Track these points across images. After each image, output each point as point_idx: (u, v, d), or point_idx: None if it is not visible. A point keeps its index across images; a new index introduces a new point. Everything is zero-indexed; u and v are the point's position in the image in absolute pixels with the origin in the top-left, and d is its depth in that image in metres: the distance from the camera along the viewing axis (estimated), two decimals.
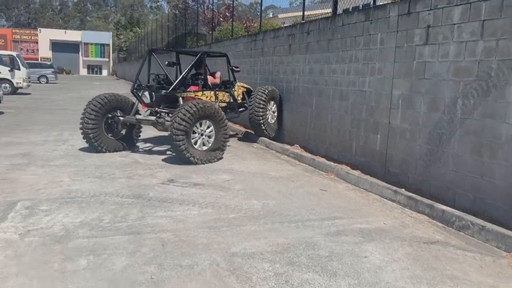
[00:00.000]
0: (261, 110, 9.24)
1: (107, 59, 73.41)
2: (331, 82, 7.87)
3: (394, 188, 5.57)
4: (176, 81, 8.44)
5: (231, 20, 18.74)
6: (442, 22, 5.44)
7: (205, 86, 8.84)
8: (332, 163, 7.20)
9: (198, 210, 4.73)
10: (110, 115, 8.02)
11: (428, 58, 5.67)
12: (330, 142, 7.91)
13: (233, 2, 14.75)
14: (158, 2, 24.71)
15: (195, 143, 7.32)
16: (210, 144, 7.54)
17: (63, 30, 76.50)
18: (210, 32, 17.31)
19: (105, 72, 73.66)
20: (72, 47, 71.81)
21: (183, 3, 20.69)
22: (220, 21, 18.64)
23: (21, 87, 21.89)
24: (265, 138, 9.43)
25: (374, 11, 6.75)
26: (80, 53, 73.05)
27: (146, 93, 8.90)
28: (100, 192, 5.26)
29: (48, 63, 39.82)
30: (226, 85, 9.61)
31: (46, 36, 71.36)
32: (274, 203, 5.11)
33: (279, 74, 10.04)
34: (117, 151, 7.96)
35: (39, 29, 74.34)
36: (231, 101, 9.41)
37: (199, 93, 8.58)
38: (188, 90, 8.62)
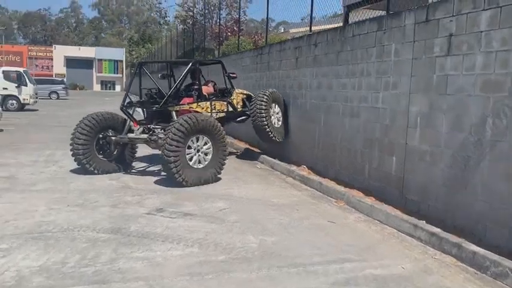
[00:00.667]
0: (263, 112, 8.50)
1: (120, 75, 73.90)
2: (340, 97, 7.18)
3: (414, 220, 4.81)
4: (167, 95, 7.89)
5: (239, 34, 18.29)
6: (467, 30, 4.73)
7: (200, 97, 8.24)
8: (342, 188, 6.46)
9: (182, 249, 4.04)
10: (101, 135, 7.51)
11: (451, 71, 4.95)
12: (340, 163, 7.19)
13: (239, 16, 14.24)
14: (166, 17, 24.48)
15: (190, 159, 6.71)
16: (206, 162, 6.93)
17: (78, 47, 77.49)
18: (218, 47, 16.81)
19: (118, 88, 74.07)
20: (86, 63, 72.55)
21: (191, 18, 20.32)
22: (228, 36, 18.16)
23: (28, 104, 21.62)
24: (270, 158, 8.73)
25: (387, 20, 6.07)
26: (94, 69, 73.75)
27: (139, 109, 8.33)
28: (75, 226, 4.61)
29: (59, 79, 39.87)
30: (223, 93, 8.96)
31: (61, 52, 72.26)
32: (273, 240, 4.39)
33: (285, 89, 9.39)
34: (110, 173, 7.42)
35: (54, 45, 75.39)
36: (230, 110, 8.75)
37: (194, 105, 7.97)
38: (182, 102, 8.03)
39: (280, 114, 9.11)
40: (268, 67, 10.30)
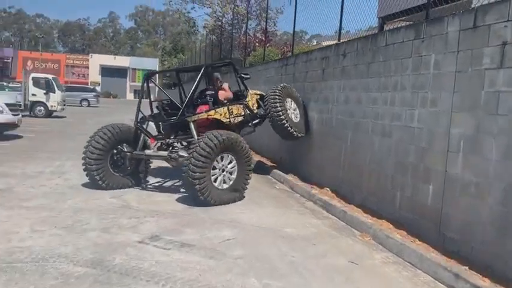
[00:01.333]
0: (279, 106, 7.88)
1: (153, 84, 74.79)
2: (370, 114, 6.37)
3: (455, 268, 3.94)
4: (183, 106, 7.31)
5: (267, 45, 17.69)
6: None
7: (216, 103, 7.63)
8: (368, 219, 5.63)
9: None
10: (115, 150, 7.07)
11: (504, 87, 4.10)
12: (368, 188, 6.35)
13: (266, 26, 13.63)
14: (195, 26, 24.27)
15: (215, 180, 6.25)
16: (231, 182, 6.50)
17: (113, 56, 79.16)
18: (244, 57, 16.25)
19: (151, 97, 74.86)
20: (121, 72, 73.90)
21: (219, 28, 19.91)
22: (256, 46, 17.56)
23: (56, 110, 21.67)
24: (290, 178, 7.96)
25: (426, 26, 5.26)
26: (128, 78, 74.99)
27: (151, 123, 7.75)
28: (52, 254, 3.99)
29: (91, 87, 40.46)
30: (238, 96, 8.31)
31: (96, 61, 73.99)
32: (280, 286, 3.62)
33: (310, 102, 8.63)
34: (121, 188, 6.97)
35: (90, 54, 77.34)
36: (247, 112, 8.08)
37: (212, 113, 7.34)
38: (198, 111, 7.43)
39: (297, 110, 8.51)
40: (294, 79, 9.58)
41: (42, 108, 21.30)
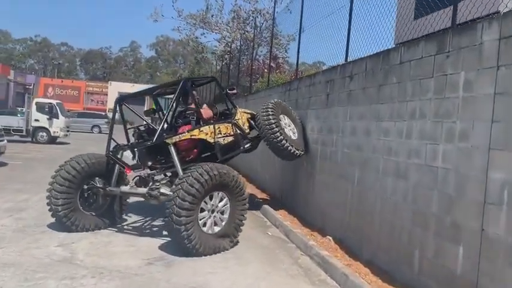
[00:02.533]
0: (274, 125, 6.97)
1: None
2: (381, 148, 5.12)
3: None
4: (161, 124, 6.25)
5: (277, 71, 16.70)
6: None
7: (199, 122, 6.52)
8: (378, 285, 4.29)
9: None
10: (86, 186, 6.06)
11: None
12: (379, 242, 5.02)
13: (270, 50, 12.65)
14: (203, 52, 23.49)
15: (204, 225, 5.27)
16: (223, 223, 5.50)
17: (131, 84, 79.79)
18: (250, 84, 15.27)
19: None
20: (138, 100, 73.45)
21: (228, 54, 19.08)
22: (265, 73, 16.57)
23: (58, 137, 20.92)
24: (286, 223, 6.63)
25: (453, 37, 4.05)
26: (145, 105, 75.12)
27: (127, 152, 6.62)
28: None
29: (103, 113, 40.14)
30: (226, 116, 7.17)
31: (115, 88, 74.31)
32: None
33: (313, 133, 7.42)
34: (93, 229, 5.97)
35: (109, 82, 78.08)
36: (238, 132, 6.94)
37: (196, 132, 6.26)
38: (180, 132, 6.29)
39: (293, 126, 7.63)
40: (296, 105, 8.41)
41: (44, 134, 20.58)
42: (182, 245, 5.00)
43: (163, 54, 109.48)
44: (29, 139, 20.31)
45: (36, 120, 20.30)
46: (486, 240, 3.43)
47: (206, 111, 6.92)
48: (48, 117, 20.41)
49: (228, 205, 5.56)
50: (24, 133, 20.03)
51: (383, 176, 5.03)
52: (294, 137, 7.42)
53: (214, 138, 6.39)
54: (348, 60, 6.47)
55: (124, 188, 6.22)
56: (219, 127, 6.59)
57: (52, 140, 20.71)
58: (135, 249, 5.12)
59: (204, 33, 21.66)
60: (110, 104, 75.19)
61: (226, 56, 19.34)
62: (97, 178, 6.19)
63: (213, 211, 5.39)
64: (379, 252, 4.99)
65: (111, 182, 6.24)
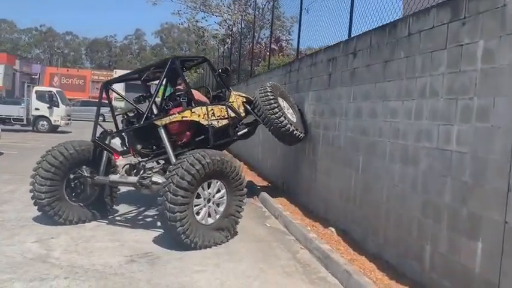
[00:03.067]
0: (276, 108, 6.67)
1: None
2: (388, 131, 4.62)
3: None
4: (149, 105, 5.90)
5: (280, 54, 16.13)
6: None
7: (191, 103, 6.02)
8: (384, 282, 3.84)
9: None
10: (72, 175, 5.65)
11: None
12: (386, 234, 4.56)
13: (271, 32, 12.07)
14: (203, 36, 22.72)
15: (197, 213, 4.88)
16: (218, 216, 5.10)
17: (114, 70, 79.28)
18: (253, 68, 14.73)
19: None
20: (144, 87, 73.68)
21: (229, 37, 18.47)
22: (267, 56, 16.00)
23: (59, 125, 20.58)
24: (286, 214, 6.17)
25: (469, 0, 3.51)
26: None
27: (115, 140, 6.22)
28: None
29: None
30: (219, 98, 6.73)
31: None
32: None
33: (314, 116, 6.92)
34: (82, 222, 5.56)
35: (114, 70, 77.54)
36: (232, 115, 6.51)
37: (187, 113, 5.80)
38: (170, 114, 5.86)
39: (291, 110, 7.24)
40: (297, 87, 7.90)
41: (45, 122, 20.26)
42: (178, 240, 4.64)
43: (168, 42, 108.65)
44: (30, 128, 20.02)
45: (37, 109, 19.99)
46: (510, 234, 2.95)
47: (199, 95, 6.47)
48: (48, 105, 20.07)
49: (225, 198, 5.18)
50: (24, 122, 19.74)
51: (390, 162, 4.54)
52: (294, 119, 7.06)
53: (207, 120, 5.95)
54: (352, 36, 5.92)
55: (113, 177, 5.81)
56: (212, 109, 6.14)
57: (53, 128, 20.39)
58: (119, 244, 4.70)
59: (205, 17, 21.03)
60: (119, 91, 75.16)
61: (227, 39, 18.73)
62: (84, 167, 5.78)
63: (209, 200, 5.02)
64: (386, 246, 4.52)
65: (99, 170, 5.83)
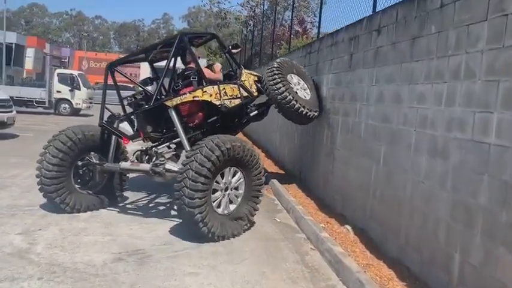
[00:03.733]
0: (280, 84, 6.19)
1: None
2: (414, 119, 4.01)
3: None
4: (158, 87, 5.62)
5: (304, 36, 15.42)
6: None
7: (202, 82, 5.67)
8: None
9: None
10: (80, 162, 5.38)
11: None
12: (408, 237, 3.99)
13: (293, 9, 11.42)
14: (226, 18, 22.07)
15: (218, 205, 4.71)
16: (235, 205, 4.89)
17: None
18: (276, 51, 14.13)
19: None
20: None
21: (252, 19, 17.81)
22: (291, 38, 15.35)
23: (81, 108, 20.51)
24: (299, 208, 5.62)
25: None
26: None
27: (124, 124, 5.90)
28: None
29: (131, 86, 39.92)
30: (230, 77, 6.40)
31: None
32: None
33: (334, 101, 6.32)
34: (90, 210, 5.35)
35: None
36: (245, 94, 6.17)
37: (199, 93, 5.46)
38: (180, 94, 5.54)
39: (305, 85, 6.81)
40: (317, 70, 7.29)
41: (67, 106, 20.23)
42: (196, 229, 4.40)
43: (195, 26, 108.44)
44: (52, 111, 20.04)
45: (58, 91, 19.95)
46: None
47: (210, 73, 6.05)
48: (70, 88, 20.01)
49: (243, 186, 4.94)
50: (47, 105, 19.74)
51: (415, 154, 3.94)
52: (307, 96, 6.59)
53: (220, 99, 5.59)
54: (376, 10, 5.27)
55: (124, 164, 5.51)
56: (224, 88, 5.76)
57: (75, 112, 20.33)
58: (110, 239, 4.30)
59: None
60: (142, 76, 75.73)
61: (250, 21, 18.08)
62: (93, 153, 5.52)
63: (226, 189, 4.77)
64: (408, 249, 3.96)
65: (108, 157, 5.55)
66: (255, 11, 18.03)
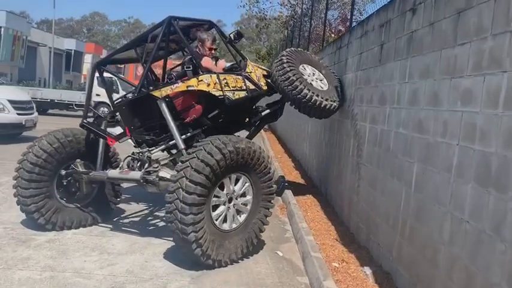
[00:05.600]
0: (290, 73, 5.34)
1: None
2: (456, 127, 2.76)
3: None
4: (143, 74, 4.89)
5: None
6: None
7: (196, 71, 4.77)
8: None
9: None
10: (64, 171, 4.73)
11: None
12: None
13: (326, 7, 10.26)
14: (265, 19, 20.98)
15: (224, 220, 4.04)
16: (249, 206, 4.22)
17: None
18: (308, 48, 13.07)
19: None
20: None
21: (291, 19, 16.70)
22: (331, 37, 14.11)
23: None
24: (308, 238, 4.41)
25: None
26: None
27: (116, 129, 5.25)
28: None
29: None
30: (233, 70, 5.42)
31: None
32: None
33: (361, 105, 5.10)
34: (81, 226, 4.73)
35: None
36: (251, 87, 5.20)
37: (193, 82, 4.54)
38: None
39: (321, 75, 5.96)
40: (345, 67, 6.09)
41: (105, 109, 20.03)
42: (188, 250, 3.70)
43: (247, 33, 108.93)
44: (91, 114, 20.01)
45: (98, 95, 19.87)
46: None
47: (207, 61, 5.06)
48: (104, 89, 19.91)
49: (249, 183, 4.23)
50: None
51: (457, 180, 2.70)
52: (324, 87, 5.75)
53: (220, 90, 4.69)
54: None
55: (112, 173, 4.78)
56: (224, 78, 4.83)
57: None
58: (48, 276, 3.32)
59: None
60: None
61: (290, 22, 16.98)
62: (78, 160, 4.76)
63: (230, 200, 4.08)
64: None
65: (96, 164, 4.83)
66: (295, 9, 16.90)
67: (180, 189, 3.63)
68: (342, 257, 4.08)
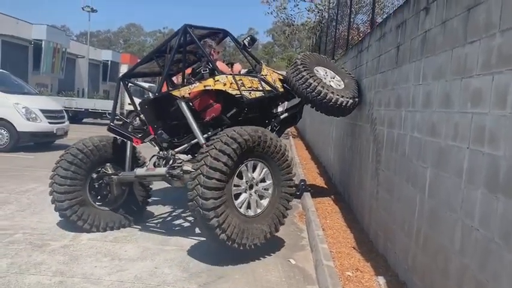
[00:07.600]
0: (308, 75, 5.55)
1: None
2: (466, 131, 2.62)
3: None
4: (163, 75, 5.18)
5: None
6: None
7: (213, 73, 5.00)
8: None
9: None
10: (95, 174, 4.99)
11: None
12: None
13: (349, 14, 10.07)
14: (292, 25, 20.81)
15: (248, 207, 4.21)
16: (270, 190, 4.40)
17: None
18: (333, 55, 12.92)
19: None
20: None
21: (319, 24, 16.55)
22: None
23: None
24: (322, 246, 4.30)
25: None
26: None
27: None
28: None
29: None
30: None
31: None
32: None
33: (380, 109, 4.96)
34: (114, 228, 4.93)
35: None
36: (268, 88, 5.45)
37: (210, 81, 4.80)
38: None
39: (335, 76, 6.16)
40: (365, 71, 5.96)
41: (137, 117, 20.58)
42: (212, 236, 3.87)
43: (279, 40, 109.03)
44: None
45: (130, 103, 20.35)
46: None
47: (224, 66, 5.36)
48: (140, 100, 20.36)
49: (267, 169, 4.38)
50: (118, 116, 20.24)
51: (468, 185, 2.55)
52: (340, 85, 5.95)
53: (237, 89, 4.90)
54: None
55: (139, 171, 4.98)
56: (240, 78, 5.06)
57: (144, 123, 20.60)
58: (58, 281, 3.36)
59: (297, 4, 19.29)
60: None
61: (318, 27, 16.83)
62: (108, 164, 5.04)
63: (251, 187, 4.24)
64: None
65: (125, 167, 5.09)
66: (322, 14, 16.76)
67: (201, 175, 3.81)
68: (356, 266, 3.95)
